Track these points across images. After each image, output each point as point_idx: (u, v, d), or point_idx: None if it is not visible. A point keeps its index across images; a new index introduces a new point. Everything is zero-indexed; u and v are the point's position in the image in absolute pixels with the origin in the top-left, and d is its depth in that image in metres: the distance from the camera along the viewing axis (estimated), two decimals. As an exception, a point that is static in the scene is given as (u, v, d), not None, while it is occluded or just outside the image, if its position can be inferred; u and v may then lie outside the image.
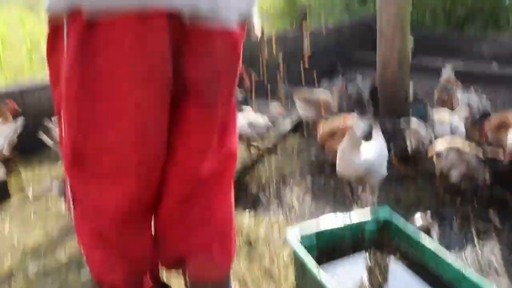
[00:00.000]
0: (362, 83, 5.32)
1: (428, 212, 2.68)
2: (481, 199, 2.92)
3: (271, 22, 7.16)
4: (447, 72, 4.57)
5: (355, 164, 2.63)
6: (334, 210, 2.89)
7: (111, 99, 1.21)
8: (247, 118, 3.50)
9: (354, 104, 4.80)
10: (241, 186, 3.23)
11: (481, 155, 2.88)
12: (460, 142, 2.94)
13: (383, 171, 2.80)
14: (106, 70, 1.17)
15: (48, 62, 1.29)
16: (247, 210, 2.93)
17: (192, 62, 1.27)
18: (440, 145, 2.95)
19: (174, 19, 1.17)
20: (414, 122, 3.28)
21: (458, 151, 2.85)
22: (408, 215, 2.70)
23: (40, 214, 2.91)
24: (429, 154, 3.02)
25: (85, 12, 1.10)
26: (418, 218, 2.50)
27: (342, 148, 2.69)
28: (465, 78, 5.24)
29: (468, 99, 3.65)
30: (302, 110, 4.04)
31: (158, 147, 1.33)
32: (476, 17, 7.01)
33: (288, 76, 5.78)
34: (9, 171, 3.23)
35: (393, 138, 3.20)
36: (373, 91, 4.98)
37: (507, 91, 5.02)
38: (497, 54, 6.29)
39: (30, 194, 3.17)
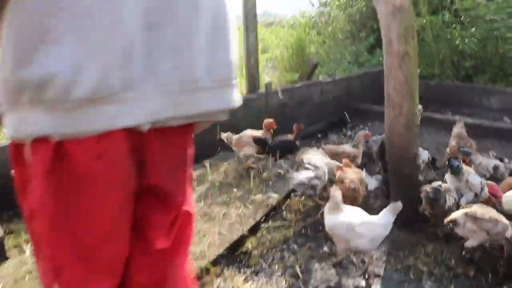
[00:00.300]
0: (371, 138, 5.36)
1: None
2: (496, 273, 2.83)
3: (280, 73, 7.23)
4: (458, 127, 4.52)
5: (335, 224, 2.79)
6: (340, 279, 2.83)
7: (86, 212, 1.20)
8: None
9: (363, 159, 4.83)
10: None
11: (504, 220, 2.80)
12: (481, 208, 2.87)
13: (373, 240, 2.76)
14: (76, 188, 1.16)
15: (14, 169, 1.26)
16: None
17: (151, 162, 1.26)
18: (456, 213, 2.90)
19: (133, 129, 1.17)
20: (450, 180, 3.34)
21: (476, 218, 2.78)
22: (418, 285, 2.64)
23: (35, 274, 2.85)
24: (445, 220, 2.95)
25: (51, 137, 1.10)
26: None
27: (325, 209, 2.90)
28: (475, 131, 5.27)
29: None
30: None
31: (127, 243, 1.32)
32: (484, 70, 7.01)
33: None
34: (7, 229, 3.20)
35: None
36: (382, 147, 4.98)
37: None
38: (507, 107, 6.26)
39: (27, 252, 3.11)
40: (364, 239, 2.75)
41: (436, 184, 3.23)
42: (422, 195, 3.20)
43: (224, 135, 4.53)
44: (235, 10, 1.38)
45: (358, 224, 2.76)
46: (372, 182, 4.27)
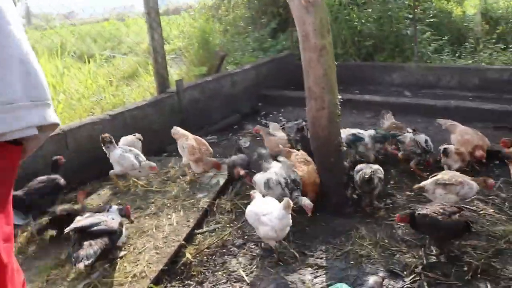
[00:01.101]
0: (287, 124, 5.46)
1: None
2: (424, 246, 3.02)
3: (188, 67, 7.07)
4: (391, 118, 4.77)
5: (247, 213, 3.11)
6: (285, 275, 2.85)
7: None
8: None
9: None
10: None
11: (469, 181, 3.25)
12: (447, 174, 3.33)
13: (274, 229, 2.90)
14: None
15: None
16: None
17: None
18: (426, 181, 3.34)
19: None
20: None
21: (445, 184, 3.22)
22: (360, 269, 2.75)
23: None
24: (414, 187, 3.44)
25: None
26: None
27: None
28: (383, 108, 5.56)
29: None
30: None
31: None
32: (383, 48, 7.39)
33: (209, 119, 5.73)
34: None
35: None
36: (299, 131, 5.10)
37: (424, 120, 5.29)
38: (406, 81, 6.66)
39: None
40: (267, 227, 2.89)
41: (368, 169, 3.38)
42: (358, 178, 3.34)
43: None
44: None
45: (263, 214, 2.92)
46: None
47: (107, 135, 4.12)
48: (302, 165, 3.52)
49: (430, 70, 6.50)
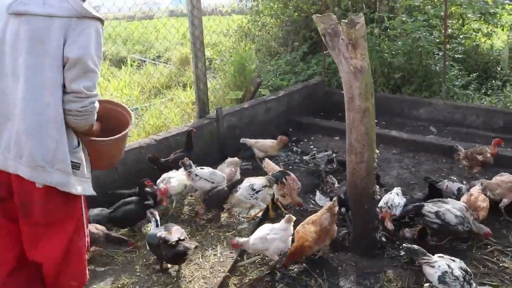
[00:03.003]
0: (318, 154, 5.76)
1: None
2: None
3: (223, 90, 7.44)
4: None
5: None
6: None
7: None
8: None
9: (314, 178, 5.28)
10: None
11: None
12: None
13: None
14: None
15: None
16: None
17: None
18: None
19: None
20: None
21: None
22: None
23: None
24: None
25: None
26: None
27: None
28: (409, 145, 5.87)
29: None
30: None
31: None
32: (411, 81, 7.67)
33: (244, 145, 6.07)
34: None
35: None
36: (330, 162, 5.43)
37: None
38: (433, 117, 6.94)
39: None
40: (276, 241, 3.51)
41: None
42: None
43: None
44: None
45: (268, 233, 3.55)
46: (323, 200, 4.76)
47: (186, 159, 4.49)
48: (306, 224, 3.69)
49: (456, 108, 6.76)
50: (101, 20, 2.27)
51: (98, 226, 3.80)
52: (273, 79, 8.48)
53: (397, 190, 4.18)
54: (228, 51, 9.45)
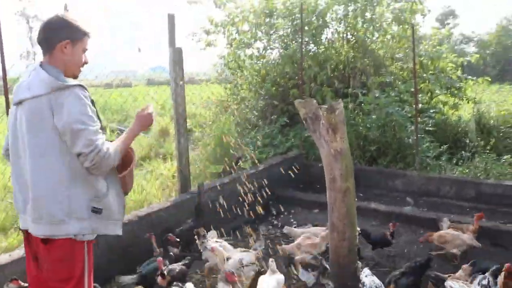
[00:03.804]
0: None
1: None
2: None
3: (204, 163, 7.56)
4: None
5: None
6: None
7: None
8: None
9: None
10: None
11: None
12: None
13: None
14: None
15: None
16: None
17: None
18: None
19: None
20: None
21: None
22: None
23: None
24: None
25: None
26: None
27: None
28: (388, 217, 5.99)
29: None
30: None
31: None
32: (386, 153, 7.97)
33: (226, 219, 6.11)
34: None
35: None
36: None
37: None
38: (409, 189, 7.16)
39: None
40: None
41: None
42: None
43: None
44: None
45: None
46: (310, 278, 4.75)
47: (202, 229, 4.73)
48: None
49: (430, 179, 7.01)
50: (79, 86, 2.49)
51: None
52: (252, 152, 8.68)
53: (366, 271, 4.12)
54: (207, 124, 9.69)
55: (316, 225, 5.72)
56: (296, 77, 9.63)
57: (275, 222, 6.39)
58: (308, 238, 4.80)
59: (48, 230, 2.51)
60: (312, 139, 8.39)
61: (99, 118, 2.59)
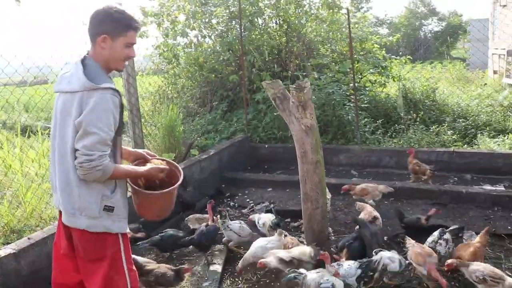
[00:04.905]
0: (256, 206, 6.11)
1: None
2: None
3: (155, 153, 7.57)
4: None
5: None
6: None
7: None
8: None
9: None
10: None
11: None
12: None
13: None
14: None
15: None
16: None
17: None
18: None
19: None
20: None
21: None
22: None
23: None
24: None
25: None
26: None
27: None
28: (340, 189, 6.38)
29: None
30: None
31: None
32: (327, 131, 8.42)
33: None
34: None
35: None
36: (268, 212, 5.76)
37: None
38: (352, 162, 7.66)
39: None
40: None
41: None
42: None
43: None
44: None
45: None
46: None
47: (223, 208, 4.98)
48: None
49: (371, 152, 7.55)
50: (112, 89, 2.55)
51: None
52: (198, 139, 8.81)
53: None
54: (147, 114, 9.64)
55: (273, 203, 6.03)
56: (233, 64, 9.83)
57: (231, 203, 6.59)
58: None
59: (66, 219, 2.66)
60: (255, 122, 8.71)
61: (122, 123, 2.68)
